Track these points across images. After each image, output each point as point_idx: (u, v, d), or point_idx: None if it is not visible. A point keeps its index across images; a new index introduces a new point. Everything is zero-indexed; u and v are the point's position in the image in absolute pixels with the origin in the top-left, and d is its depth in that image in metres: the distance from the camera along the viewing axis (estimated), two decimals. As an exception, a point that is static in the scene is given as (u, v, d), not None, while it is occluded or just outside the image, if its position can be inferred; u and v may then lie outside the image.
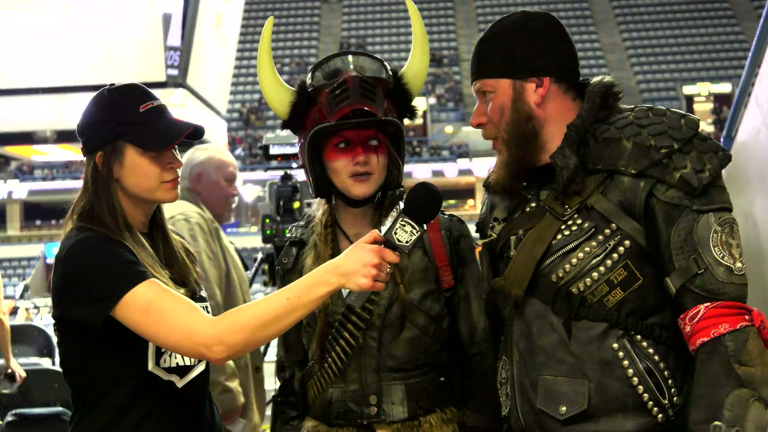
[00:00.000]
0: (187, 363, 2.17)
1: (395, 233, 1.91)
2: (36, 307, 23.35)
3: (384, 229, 1.92)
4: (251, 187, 38.11)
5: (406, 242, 1.90)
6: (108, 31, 9.40)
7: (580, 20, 40.74)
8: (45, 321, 16.66)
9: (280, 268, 2.40)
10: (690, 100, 37.06)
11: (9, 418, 6.35)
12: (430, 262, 2.29)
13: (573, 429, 1.89)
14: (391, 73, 2.27)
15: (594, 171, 1.91)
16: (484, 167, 31.65)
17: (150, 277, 2.02)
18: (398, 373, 2.25)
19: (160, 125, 2.11)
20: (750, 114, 3.30)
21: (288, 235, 2.45)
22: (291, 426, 2.39)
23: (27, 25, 9.37)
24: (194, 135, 2.16)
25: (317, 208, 2.39)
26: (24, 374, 5.70)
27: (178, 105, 9.56)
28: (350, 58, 2.28)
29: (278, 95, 2.31)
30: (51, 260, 34.47)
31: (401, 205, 2.00)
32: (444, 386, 2.29)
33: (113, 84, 2.19)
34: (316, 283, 1.95)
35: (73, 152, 11.96)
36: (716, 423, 1.74)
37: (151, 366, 2.10)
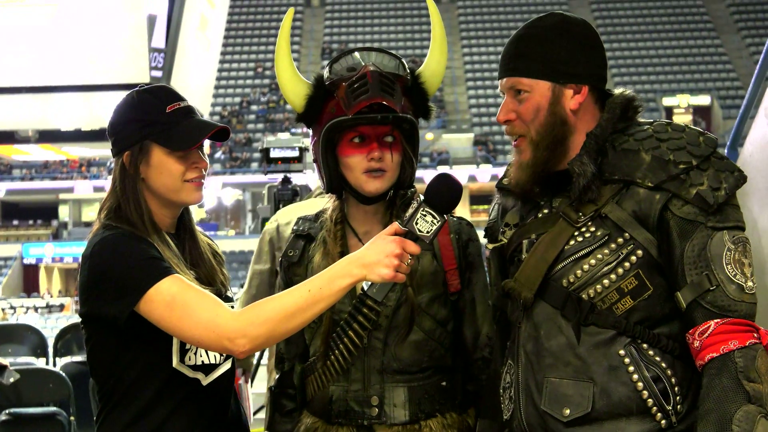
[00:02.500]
0: (212, 361, 2.21)
1: (416, 223, 1.93)
2: (12, 308, 23.36)
3: (405, 219, 1.93)
4: (230, 191, 38.23)
5: (427, 232, 1.93)
6: (92, 32, 9.36)
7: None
8: (21, 321, 16.66)
9: (284, 260, 2.41)
10: (669, 111, 37.43)
11: (3, 417, 6.35)
12: (439, 266, 2.30)
13: (576, 431, 1.91)
14: (408, 71, 2.27)
15: (610, 180, 1.93)
16: (464, 175, 31.89)
17: (174, 273, 2.06)
18: (402, 376, 2.26)
19: (186, 125, 2.15)
20: (758, 125, 3.30)
21: (294, 227, 2.44)
22: (290, 418, 2.39)
23: (11, 24, 9.33)
24: (220, 135, 2.19)
25: (328, 204, 2.40)
26: (7, 363, 5.69)
27: (163, 108, 9.49)
28: (370, 53, 2.27)
29: (295, 87, 2.31)
30: (28, 260, 34.59)
31: (422, 196, 2.01)
32: (446, 391, 2.30)
33: (144, 85, 2.24)
34: (338, 275, 1.97)
35: (54, 152, 11.90)
36: None
37: (175, 363, 2.14)
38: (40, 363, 7.03)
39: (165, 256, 2.10)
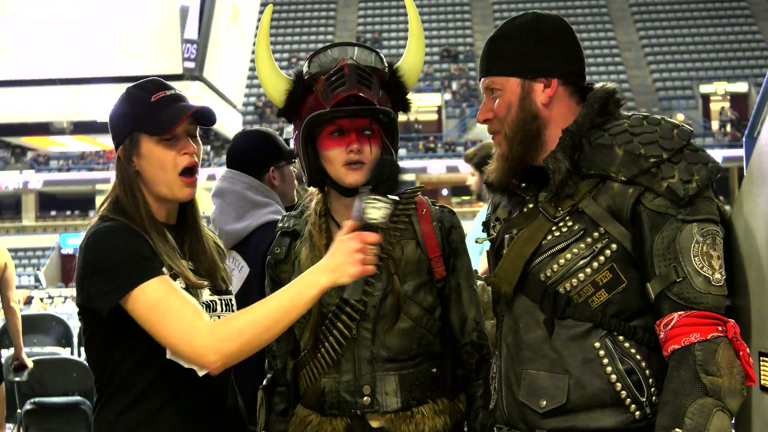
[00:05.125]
0: None
1: (367, 213, 1.95)
2: (50, 297, 23.50)
3: (355, 214, 1.96)
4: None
5: (381, 218, 1.95)
6: (125, 24, 9.41)
7: (597, 18, 40.65)
8: (59, 311, 16.78)
9: (271, 258, 2.41)
10: (706, 98, 36.96)
11: (28, 406, 6.41)
12: (423, 254, 2.30)
13: (552, 422, 1.94)
14: (386, 65, 2.28)
15: (587, 175, 1.95)
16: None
17: (162, 275, 2.07)
18: (392, 364, 2.26)
19: (168, 111, 2.15)
20: (775, 114, 3.27)
21: (280, 225, 2.44)
22: (284, 417, 2.39)
23: (45, 17, 9.39)
24: (203, 119, 2.20)
25: (310, 198, 2.39)
26: (31, 364, 5.75)
27: (194, 98, 9.52)
28: (348, 48, 2.29)
29: (274, 83, 2.33)
30: (66, 250, 34.79)
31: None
32: (436, 377, 2.31)
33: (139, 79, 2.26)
34: (306, 285, 2.01)
35: (89, 143, 11.97)
36: (677, 431, 1.78)
37: (169, 354, 2.12)
38: (65, 353, 7.10)
39: (159, 250, 2.11)
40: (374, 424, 2.26)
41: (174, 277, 2.12)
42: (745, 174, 3.65)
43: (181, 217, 2.27)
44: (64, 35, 9.34)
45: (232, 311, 2.28)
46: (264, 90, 2.37)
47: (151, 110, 2.16)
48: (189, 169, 2.16)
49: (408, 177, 29.02)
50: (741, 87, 36.75)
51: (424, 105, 37.58)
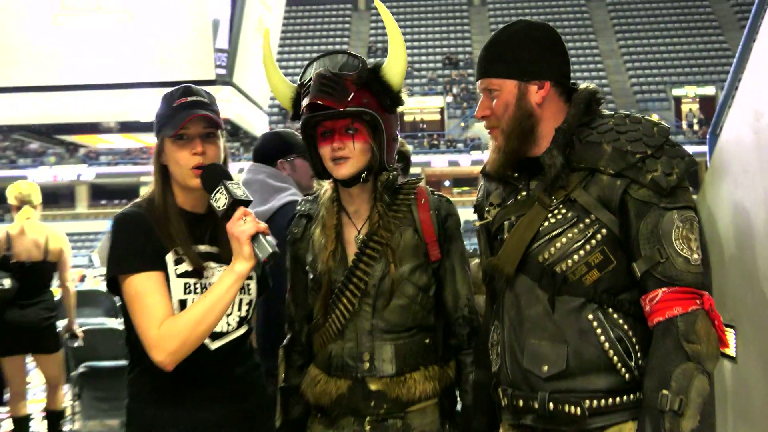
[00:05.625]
0: (222, 330, 2.22)
1: (218, 206, 2.09)
2: (101, 275, 23.63)
3: (217, 213, 2.10)
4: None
5: (224, 204, 2.07)
6: (164, 35, 9.41)
7: (581, 29, 40.50)
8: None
9: (290, 237, 2.42)
10: (678, 101, 36.88)
11: (81, 369, 6.47)
12: (420, 240, 2.30)
13: (553, 385, 1.95)
14: (366, 67, 2.24)
15: (577, 169, 1.96)
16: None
17: (152, 271, 2.12)
18: (389, 335, 2.27)
19: (180, 115, 2.17)
20: (733, 115, 3.27)
21: (298, 208, 2.46)
22: (300, 372, 2.40)
23: (94, 28, 9.39)
24: (208, 122, 2.20)
25: (324, 186, 2.41)
26: (82, 333, 5.80)
27: (225, 101, 9.55)
28: (324, 59, 2.27)
29: (282, 92, 2.34)
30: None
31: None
32: (429, 347, 2.31)
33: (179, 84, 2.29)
34: (225, 277, 2.08)
35: (134, 141, 11.97)
36: (664, 392, 1.81)
37: None
38: (112, 323, 7.16)
39: (170, 235, 2.15)
40: (372, 386, 2.26)
41: (180, 260, 2.15)
42: (707, 167, 3.65)
43: (210, 207, 2.27)
44: (110, 46, 9.35)
45: (247, 293, 2.28)
46: (277, 99, 2.38)
47: (170, 114, 2.19)
48: (200, 165, 2.18)
49: (414, 170, 29.03)
50: (709, 90, 36.64)
51: (428, 107, 37.57)
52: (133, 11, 9.48)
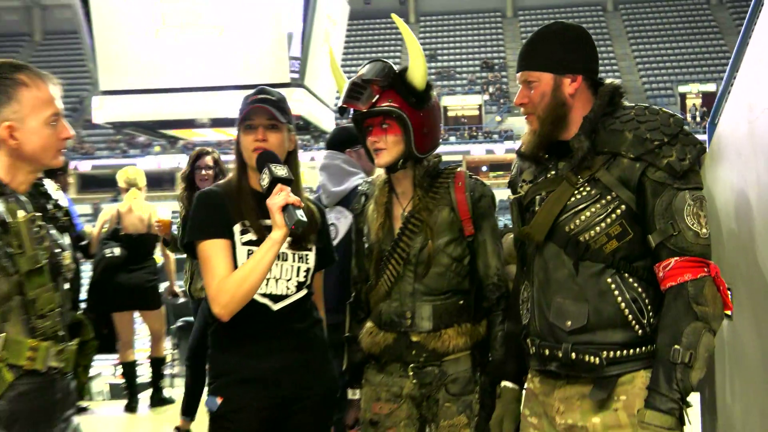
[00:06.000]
0: (281, 293, 2.21)
1: (263, 185, 2.08)
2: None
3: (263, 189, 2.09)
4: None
5: (267, 183, 2.07)
6: (247, 46, 9.50)
7: (599, 35, 39.73)
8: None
9: (353, 211, 2.49)
10: (683, 96, 35.99)
11: (179, 323, 6.57)
12: (456, 217, 2.30)
13: (576, 338, 1.94)
14: (390, 73, 2.26)
15: (601, 152, 1.93)
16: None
17: (218, 238, 2.13)
18: (428, 297, 2.28)
19: (244, 110, 2.22)
20: (729, 107, 3.21)
21: (360, 188, 2.50)
22: (361, 325, 2.43)
23: (189, 41, 9.52)
24: (274, 116, 2.21)
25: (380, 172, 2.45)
26: (181, 293, 5.90)
27: (297, 100, 9.62)
28: (367, 66, 2.29)
29: None
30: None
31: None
32: (462, 308, 2.31)
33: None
34: (263, 243, 2.08)
35: (224, 134, 12.11)
36: (676, 346, 1.80)
37: None
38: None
39: (240, 210, 2.16)
40: (413, 339, 2.28)
41: (245, 231, 2.17)
42: (707, 152, 3.59)
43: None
44: (203, 55, 9.47)
45: (305, 262, 2.27)
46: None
47: (242, 109, 2.22)
48: (258, 148, 2.20)
49: (456, 158, 28.94)
50: (711, 87, 35.75)
51: (468, 104, 37.26)
52: (222, 26, 9.59)
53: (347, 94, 2.24)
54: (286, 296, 2.22)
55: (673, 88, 36.27)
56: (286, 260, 2.22)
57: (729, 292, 3.25)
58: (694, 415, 4.52)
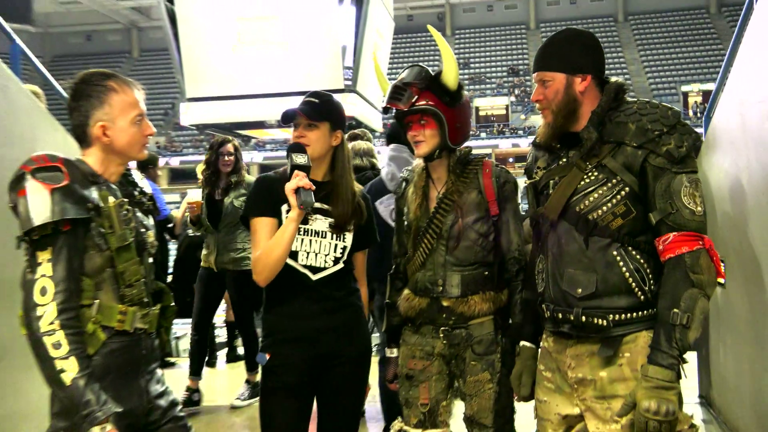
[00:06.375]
0: (318, 265, 2.21)
1: (287, 171, 2.11)
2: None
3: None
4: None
5: (290, 168, 2.10)
6: (309, 58, 9.55)
7: (611, 42, 38.85)
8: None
9: (395, 194, 2.48)
10: (685, 95, 34.99)
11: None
12: (483, 198, 2.28)
13: (585, 303, 1.92)
14: (427, 76, 2.25)
15: (608, 142, 1.89)
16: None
17: (266, 217, 2.15)
18: (457, 267, 2.26)
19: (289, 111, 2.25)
20: (723, 102, 3.13)
21: (401, 175, 2.48)
22: (399, 293, 2.41)
23: (260, 54, 9.62)
24: (288, 116, 2.23)
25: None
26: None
27: (351, 104, 9.65)
28: (406, 71, 2.28)
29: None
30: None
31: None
32: (487, 278, 2.29)
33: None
34: (284, 223, 2.09)
35: (289, 133, 12.13)
36: (675, 310, 1.77)
37: (289, 261, 2.17)
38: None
39: (285, 192, 2.13)
40: (444, 303, 2.28)
41: (290, 210, 2.16)
42: (703, 141, 3.50)
43: (332, 179, 2.28)
44: (272, 66, 9.55)
45: (342, 240, 2.26)
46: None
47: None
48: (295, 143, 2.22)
49: (485, 151, 28.70)
50: (710, 87, 34.61)
51: (496, 104, 36.85)
52: (286, 42, 9.64)
53: (390, 95, 2.23)
54: (324, 269, 2.22)
55: (676, 87, 35.31)
56: (324, 237, 2.23)
57: (723, 264, 3.19)
58: (691, 369, 4.47)
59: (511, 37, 41.35)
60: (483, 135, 34.57)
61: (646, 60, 37.69)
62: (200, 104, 10.06)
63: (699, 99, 34.75)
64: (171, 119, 36.43)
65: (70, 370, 1.65)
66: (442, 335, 2.30)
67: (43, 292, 1.64)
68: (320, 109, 2.22)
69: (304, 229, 2.20)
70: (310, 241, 2.19)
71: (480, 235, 2.28)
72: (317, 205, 2.18)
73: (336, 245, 2.25)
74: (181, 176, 33.08)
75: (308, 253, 2.18)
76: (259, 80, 9.42)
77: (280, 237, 2.09)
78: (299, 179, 2.06)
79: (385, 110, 2.32)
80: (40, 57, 41.94)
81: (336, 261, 2.24)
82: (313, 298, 2.20)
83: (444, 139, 2.25)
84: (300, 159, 2.10)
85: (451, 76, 2.24)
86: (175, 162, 34.33)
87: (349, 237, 2.28)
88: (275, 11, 9.67)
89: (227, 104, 9.69)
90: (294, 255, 2.18)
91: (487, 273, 2.29)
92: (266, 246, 2.11)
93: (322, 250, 2.22)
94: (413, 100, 2.22)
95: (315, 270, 2.21)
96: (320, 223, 2.23)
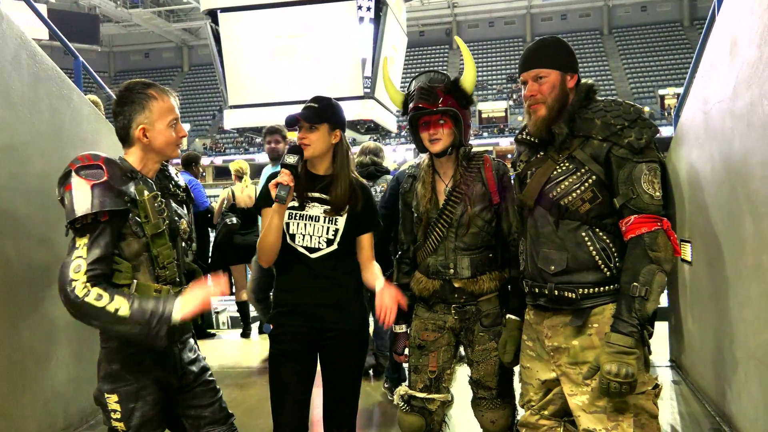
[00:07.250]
0: (313, 246, 2.14)
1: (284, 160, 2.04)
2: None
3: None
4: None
5: (282, 164, 2.03)
6: (333, 68, 9.53)
7: (597, 53, 38.35)
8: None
9: (402, 189, 2.38)
10: (662, 98, 34.47)
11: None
12: (486, 190, 2.24)
13: (558, 279, 1.89)
14: (449, 80, 2.19)
15: (577, 136, 1.86)
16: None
17: (269, 207, 2.10)
18: (466, 251, 2.22)
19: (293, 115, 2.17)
20: (690, 101, 3.07)
21: (407, 171, 2.42)
22: (407, 276, 2.37)
23: (292, 66, 9.64)
24: (292, 120, 2.14)
25: (423, 157, 2.37)
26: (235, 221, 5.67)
27: (370, 108, 9.60)
28: (421, 76, 2.23)
29: (397, 98, 2.31)
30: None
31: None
32: (491, 259, 2.26)
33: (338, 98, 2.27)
34: (270, 214, 2.05)
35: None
36: (635, 284, 1.73)
37: (288, 240, 2.13)
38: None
39: (298, 187, 2.09)
40: (456, 285, 2.24)
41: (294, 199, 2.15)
42: (673, 136, 3.44)
43: (332, 171, 2.20)
44: (302, 76, 9.55)
45: (334, 224, 2.17)
46: (392, 102, 2.35)
47: None
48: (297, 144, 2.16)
49: (487, 148, 28.51)
50: (684, 90, 34.22)
51: (497, 108, 36.64)
52: (314, 56, 9.66)
53: (419, 96, 2.15)
54: (319, 249, 2.15)
55: (654, 91, 34.76)
56: (318, 221, 2.16)
57: (689, 244, 3.13)
58: (663, 336, 4.41)
59: (510, 48, 40.93)
60: (485, 134, 34.34)
61: (628, 67, 37.14)
62: (240, 110, 10.13)
63: (674, 101, 34.21)
64: (216, 124, 36.70)
65: (122, 305, 1.63)
66: (453, 311, 2.27)
67: (77, 269, 1.64)
68: (319, 112, 2.15)
69: (301, 214, 2.15)
70: (305, 224, 2.15)
71: (485, 222, 2.24)
72: (316, 194, 2.15)
73: (328, 228, 2.18)
74: (224, 173, 33.27)
75: (303, 235, 2.13)
76: (291, 89, 9.44)
77: (268, 226, 2.08)
78: (280, 176, 2.03)
79: (405, 108, 2.25)
80: (106, 72, 42.45)
81: (329, 242, 2.16)
82: (311, 276, 2.16)
83: (459, 137, 2.21)
84: (289, 159, 2.06)
85: (470, 81, 2.22)
86: (218, 161, 34.54)
87: (341, 221, 2.19)
88: (304, 29, 9.71)
89: (264, 110, 9.71)
90: (293, 237, 2.15)
91: (491, 255, 2.26)
92: (262, 233, 2.11)
93: (315, 232, 2.16)
94: (439, 102, 2.17)
95: (311, 250, 2.15)
96: (315, 209, 2.17)
